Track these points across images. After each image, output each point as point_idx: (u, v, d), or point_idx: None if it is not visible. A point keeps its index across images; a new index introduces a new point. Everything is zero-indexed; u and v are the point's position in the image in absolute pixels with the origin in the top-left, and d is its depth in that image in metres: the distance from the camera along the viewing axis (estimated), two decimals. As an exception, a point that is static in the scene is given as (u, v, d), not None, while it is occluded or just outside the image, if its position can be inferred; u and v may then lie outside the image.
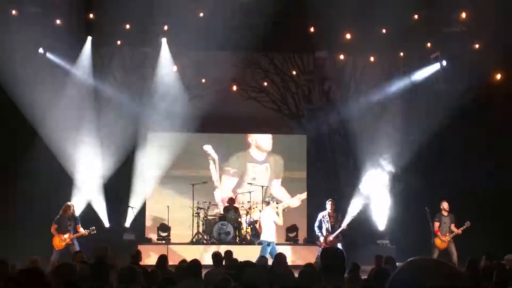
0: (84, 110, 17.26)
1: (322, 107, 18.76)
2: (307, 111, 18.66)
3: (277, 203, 13.74)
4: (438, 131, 16.26)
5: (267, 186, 17.45)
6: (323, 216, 13.88)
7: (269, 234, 13.59)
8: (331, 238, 13.68)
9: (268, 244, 13.56)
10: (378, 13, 15.70)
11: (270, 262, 9.85)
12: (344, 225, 13.96)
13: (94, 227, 14.13)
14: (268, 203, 13.89)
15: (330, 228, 13.75)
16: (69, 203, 14.21)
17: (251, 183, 17.21)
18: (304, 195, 17.51)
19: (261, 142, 16.47)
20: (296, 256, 15.57)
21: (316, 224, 13.95)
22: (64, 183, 17.02)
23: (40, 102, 17.18)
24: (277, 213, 13.71)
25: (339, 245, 13.15)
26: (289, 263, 11.14)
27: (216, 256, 9.57)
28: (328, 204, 13.93)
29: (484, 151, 16.79)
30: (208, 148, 16.30)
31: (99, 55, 17.77)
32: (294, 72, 18.79)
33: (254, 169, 15.97)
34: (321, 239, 13.76)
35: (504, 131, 16.12)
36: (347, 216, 15.08)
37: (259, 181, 17.33)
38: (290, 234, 17.26)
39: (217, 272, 8.36)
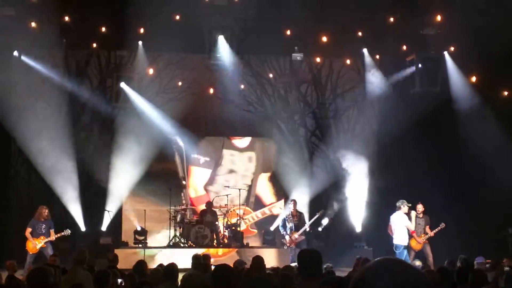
0: (60, 113, 17.13)
1: (299, 109, 18.82)
2: (284, 113, 18.68)
3: (408, 207, 13.80)
4: (413, 134, 16.37)
5: (250, 185, 17.14)
6: (286, 216, 14.61)
7: (402, 238, 13.84)
8: (296, 236, 14.31)
9: (405, 247, 13.86)
10: (354, 16, 15.78)
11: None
12: (307, 226, 14.60)
13: (68, 229, 14.04)
14: (399, 207, 13.96)
15: (293, 227, 14.38)
16: (43, 206, 14.08)
17: (228, 186, 17.11)
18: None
19: (240, 142, 16.30)
20: (273, 259, 15.53)
21: (281, 223, 14.75)
22: (39, 187, 16.89)
23: (15, 106, 17.04)
24: (410, 218, 13.92)
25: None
26: (267, 266, 11.11)
27: (194, 258, 9.58)
28: (291, 204, 14.76)
29: (459, 152, 16.94)
30: (175, 138, 15.90)
31: (75, 59, 17.65)
32: (270, 75, 18.81)
33: (231, 158, 15.34)
34: (287, 237, 14.40)
35: (478, 132, 16.26)
36: (313, 217, 15.50)
37: (238, 174, 16.80)
38: (268, 237, 17.26)
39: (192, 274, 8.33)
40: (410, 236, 14.60)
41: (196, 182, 16.84)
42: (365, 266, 1.93)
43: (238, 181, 17.28)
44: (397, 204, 14.14)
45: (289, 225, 14.41)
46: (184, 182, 16.19)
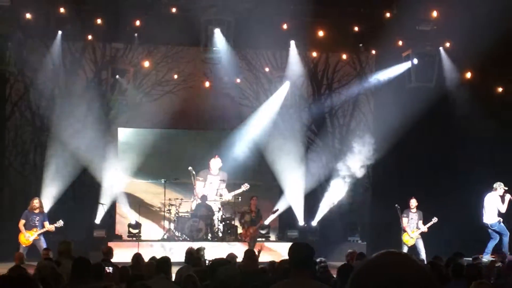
0: (54, 105, 17.06)
1: (294, 104, 18.81)
2: (279, 107, 18.64)
3: (505, 190, 14.24)
4: (409, 129, 16.39)
5: (217, 189, 17.43)
6: (245, 210, 15.66)
7: (493, 217, 14.22)
8: (251, 230, 15.38)
9: (498, 222, 14.21)
10: (350, 10, 15.78)
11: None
12: (265, 221, 16.34)
13: (61, 220, 13.97)
14: (495, 189, 14.33)
15: (250, 222, 15.44)
16: (35, 197, 14.02)
17: (223, 180, 17.14)
18: (237, 191, 17.02)
19: (215, 164, 16.85)
20: (268, 253, 15.54)
21: (238, 217, 16.01)
22: (33, 178, 16.84)
23: (9, 98, 17.00)
24: (504, 201, 14.20)
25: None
26: (261, 260, 11.12)
27: (188, 253, 9.58)
28: (252, 200, 15.81)
29: (454, 148, 16.98)
30: (190, 168, 16.50)
31: (70, 50, 17.58)
32: (267, 69, 18.78)
33: (211, 178, 16.60)
34: (242, 231, 15.47)
35: (473, 129, 16.29)
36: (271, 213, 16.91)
37: (213, 185, 17.10)
38: (262, 231, 17.27)
39: (185, 269, 8.34)
40: (403, 231, 14.65)
41: (197, 189, 16.78)
42: (364, 260, 1.92)
43: (214, 189, 17.25)
44: (494, 185, 14.38)
45: (246, 219, 15.44)
46: (195, 187, 16.34)
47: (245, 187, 16.58)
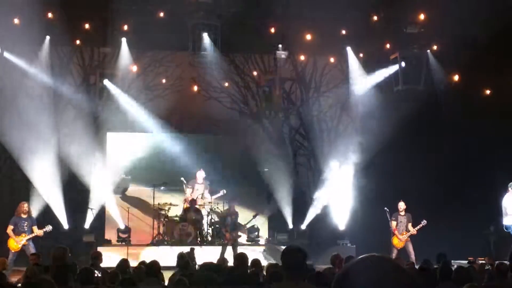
0: (43, 110, 16.98)
1: (283, 107, 18.85)
2: (268, 111, 18.68)
3: None
4: (397, 132, 16.44)
5: (202, 193, 17.50)
6: (227, 213, 15.82)
7: (507, 218, 14.15)
8: (233, 234, 15.37)
9: None
10: (337, 14, 15.83)
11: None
12: (245, 224, 16.60)
13: (49, 225, 13.89)
14: (508, 190, 14.25)
15: (232, 225, 15.48)
16: (23, 202, 13.92)
17: (208, 183, 17.19)
18: (217, 195, 17.15)
19: (200, 175, 16.88)
20: (257, 256, 15.53)
21: (221, 220, 16.21)
22: (22, 183, 16.75)
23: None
24: None
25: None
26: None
27: (180, 257, 9.57)
28: (232, 203, 16.03)
29: (442, 151, 17.04)
30: (182, 179, 16.57)
31: (58, 55, 17.54)
32: (255, 73, 18.81)
33: (197, 186, 16.69)
34: (227, 234, 15.29)
35: (462, 131, 16.37)
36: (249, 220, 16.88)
37: (198, 191, 17.11)
38: (251, 235, 17.28)
39: (178, 273, 8.34)
40: (393, 234, 14.66)
41: (187, 195, 16.72)
42: (348, 263, 1.94)
43: (200, 193, 17.27)
44: (509, 186, 14.32)
45: (228, 223, 15.47)
46: (185, 193, 16.33)
47: (222, 192, 16.78)
